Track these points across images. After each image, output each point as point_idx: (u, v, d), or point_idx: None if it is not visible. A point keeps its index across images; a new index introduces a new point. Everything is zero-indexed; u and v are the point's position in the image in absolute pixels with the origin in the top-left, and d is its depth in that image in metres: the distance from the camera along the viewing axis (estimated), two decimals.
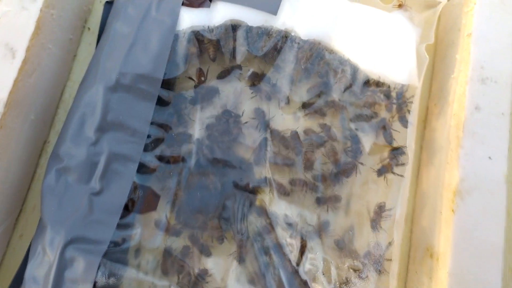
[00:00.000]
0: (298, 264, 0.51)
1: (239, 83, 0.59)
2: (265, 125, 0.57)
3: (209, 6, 0.58)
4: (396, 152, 0.56)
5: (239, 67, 0.58)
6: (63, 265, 0.46)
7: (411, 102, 0.57)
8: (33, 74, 0.55)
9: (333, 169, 0.55)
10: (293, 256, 0.51)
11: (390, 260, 0.52)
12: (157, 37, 0.54)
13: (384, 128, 0.57)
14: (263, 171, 0.54)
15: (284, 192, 0.54)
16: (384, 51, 0.58)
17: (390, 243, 0.53)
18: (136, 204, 0.52)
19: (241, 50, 0.58)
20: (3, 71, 0.51)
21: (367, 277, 0.51)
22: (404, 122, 0.57)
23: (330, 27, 0.58)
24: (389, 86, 0.58)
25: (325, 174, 0.55)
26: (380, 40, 0.59)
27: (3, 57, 0.52)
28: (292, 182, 0.55)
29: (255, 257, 0.52)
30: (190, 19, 0.57)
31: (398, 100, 0.57)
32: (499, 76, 0.54)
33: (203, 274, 0.51)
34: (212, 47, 0.57)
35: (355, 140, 0.57)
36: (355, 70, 0.58)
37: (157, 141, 0.54)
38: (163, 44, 0.54)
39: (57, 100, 0.63)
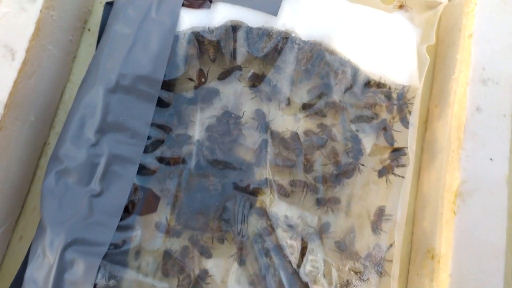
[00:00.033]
0: (298, 266, 0.51)
1: (240, 84, 0.58)
2: (266, 126, 0.56)
3: (209, 7, 0.57)
4: (397, 153, 0.56)
5: (240, 68, 0.58)
6: (63, 267, 0.46)
7: (412, 103, 0.57)
8: (33, 75, 0.55)
9: (333, 171, 0.55)
10: (294, 258, 0.51)
11: (391, 262, 0.52)
12: (157, 38, 0.54)
13: (385, 129, 0.57)
14: (263, 172, 0.54)
15: (284, 194, 0.54)
16: (384, 52, 0.58)
17: (391, 245, 0.53)
18: (136, 205, 0.51)
19: (242, 51, 0.57)
20: (3, 72, 0.51)
21: (368, 279, 0.51)
22: (405, 123, 0.57)
23: (331, 28, 0.58)
24: (390, 87, 0.58)
25: (325, 175, 0.55)
26: (381, 41, 0.58)
27: (2, 58, 0.52)
28: (293, 184, 0.55)
29: (256, 259, 0.51)
30: (190, 20, 0.57)
31: (399, 101, 0.57)
32: (500, 77, 0.54)
33: (203, 275, 0.51)
34: (212, 48, 0.57)
35: (356, 141, 0.56)
36: (355, 71, 0.57)
37: (157, 143, 0.54)
38: (163, 45, 0.54)
39: (57, 101, 0.63)
